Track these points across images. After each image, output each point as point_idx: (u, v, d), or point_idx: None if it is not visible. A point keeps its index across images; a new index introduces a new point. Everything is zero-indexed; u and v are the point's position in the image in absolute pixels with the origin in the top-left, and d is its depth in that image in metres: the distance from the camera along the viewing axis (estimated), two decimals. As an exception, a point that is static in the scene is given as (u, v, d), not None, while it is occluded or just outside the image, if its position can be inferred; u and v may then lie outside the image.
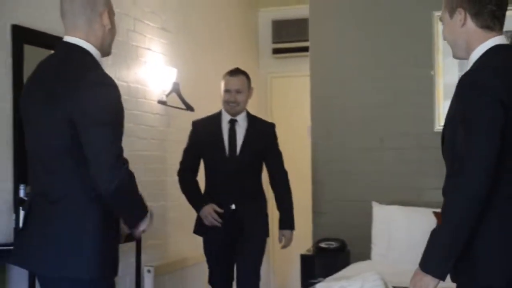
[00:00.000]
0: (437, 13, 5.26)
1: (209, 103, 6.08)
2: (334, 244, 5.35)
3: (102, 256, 2.65)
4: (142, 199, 2.79)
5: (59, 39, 4.37)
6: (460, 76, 2.45)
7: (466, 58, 2.53)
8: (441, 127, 4.93)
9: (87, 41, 2.71)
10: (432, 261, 2.38)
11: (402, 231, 5.08)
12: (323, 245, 5.42)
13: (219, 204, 4.48)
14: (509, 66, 2.40)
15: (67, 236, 2.60)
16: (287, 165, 4.74)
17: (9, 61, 4.07)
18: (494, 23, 2.47)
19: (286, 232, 4.66)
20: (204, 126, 4.68)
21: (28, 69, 4.09)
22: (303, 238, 5.73)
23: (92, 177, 2.55)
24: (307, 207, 5.71)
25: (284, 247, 4.73)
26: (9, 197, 4.04)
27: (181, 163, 4.74)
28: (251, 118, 4.70)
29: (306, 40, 5.97)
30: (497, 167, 2.27)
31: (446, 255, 2.35)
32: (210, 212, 4.49)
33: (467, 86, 2.38)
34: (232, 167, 4.51)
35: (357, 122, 5.46)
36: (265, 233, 4.69)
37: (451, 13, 2.50)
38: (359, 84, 5.57)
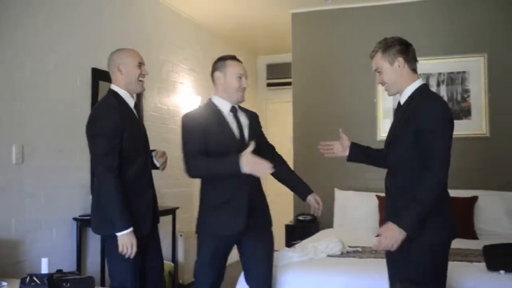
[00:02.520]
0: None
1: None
2: (308, 217, 5.38)
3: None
4: (119, 210, 2.65)
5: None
6: (401, 103, 2.54)
7: (398, 93, 2.57)
8: (382, 137, 5.13)
9: (116, 85, 2.87)
10: (407, 221, 2.34)
11: (354, 208, 5.07)
12: (300, 218, 5.45)
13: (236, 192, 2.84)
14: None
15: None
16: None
17: (89, 92, 4.17)
18: (416, 67, 2.58)
19: (314, 194, 3.09)
20: (203, 116, 2.91)
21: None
22: (287, 213, 5.79)
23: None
24: (290, 192, 5.68)
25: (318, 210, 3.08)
26: (87, 184, 4.10)
27: (190, 149, 2.83)
28: (239, 106, 3.05)
29: (290, 77, 5.94)
30: None
31: (419, 219, 2.34)
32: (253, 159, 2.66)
33: (442, 111, 2.41)
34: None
35: (324, 133, 5.21)
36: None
37: (391, 62, 2.53)
38: (326, 108, 5.54)
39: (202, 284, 2.89)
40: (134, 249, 2.69)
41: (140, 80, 2.90)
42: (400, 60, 2.53)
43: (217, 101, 2.98)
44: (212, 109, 2.93)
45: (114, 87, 2.86)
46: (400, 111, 2.55)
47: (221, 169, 2.75)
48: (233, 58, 2.98)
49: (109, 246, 2.80)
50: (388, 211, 2.57)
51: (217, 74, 2.97)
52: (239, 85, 2.93)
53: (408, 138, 2.43)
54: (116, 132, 2.71)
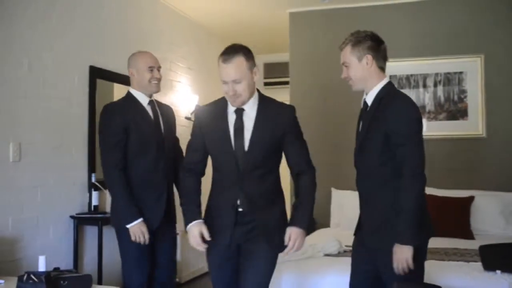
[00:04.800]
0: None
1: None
2: None
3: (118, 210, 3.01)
4: (124, 203, 2.94)
5: (119, 75, 4.55)
6: (372, 102, 2.47)
7: (364, 90, 2.52)
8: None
9: (132, 87, 3.17)
10: (408, 235, 2.29)
11: (350, 208, 4.85)
12: None
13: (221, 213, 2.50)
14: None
15: None
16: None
17: (86, 90, 4.17)
18: (385, 65, 2.52)
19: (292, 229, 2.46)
20: (208, 115, 2.59)
21: (99, 96, 4.25)
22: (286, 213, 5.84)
23: None
24: (288, 191, 5.70)
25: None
26: (85, 182, 4.11)
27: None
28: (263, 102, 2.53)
29: (287, 77, 5.94)
30: None
31: (414, 227, 2.30)
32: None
33: (412, 112, 2.39)
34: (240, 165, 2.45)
35: (322, 132, 5.39)
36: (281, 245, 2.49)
37: (360, 58, 2.46)
38: (324, 107, 5.55)
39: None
40: (147, 236, 2.91)
41: (153, 82, 3.11)
42: (369, 57, 2.46)
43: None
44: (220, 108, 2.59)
45: (130, 88, 3.15)
46: (369, 113, 2.48)
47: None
48: (223, 57, 2.44)
49: (119, 237, 3.04)
50: (366, 217, 2.53)
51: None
52: (224, 90, 2.49)
53: (381, 141, 2.40)
54: (116, 130, 2.96)
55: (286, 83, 6.09)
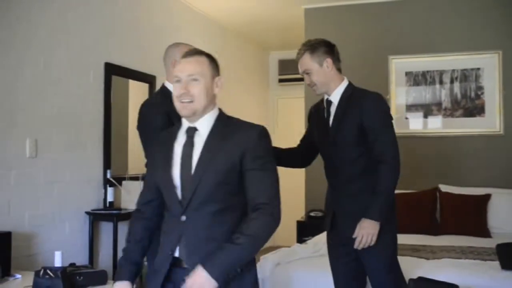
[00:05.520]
0: (391, 57, 5.39)
1: (234, 115, 6.21)
2: (319, 214, 5.35)
3: None
4: None
5: (134, 72, 4.57)
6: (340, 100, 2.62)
7: (326, 92, 2.65)
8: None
9: (169, 81, 2.71)
10: (377, 213, 2.45)
11: None
12: (312, 214, 5.46)
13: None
14: None
15: None
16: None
17: (102, 86, 4.18)
18: (341, 67, 2.70)
19: None
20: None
21: (115, 93, 4.28)
22: (298, 209, 5.78)
23: None
24: (302, 188, 5.67)
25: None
26: (100, 177, 4.13)
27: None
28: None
29: (302, 73, 5.99)
30: None
31: (386, 207, 2.49)
32: None
33: (385, 107, 2.63)
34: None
35: None
36: None
37: (320, 63, 2.59)
38: None
39: None
40: None
41: None
42: (328, 61, 2.60)
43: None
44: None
45: (166, 83, 2.74)
46: (339, 110, 2.61)
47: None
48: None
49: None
50: (344, 208, 2.62)
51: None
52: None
53: (356, 135, 2.54)
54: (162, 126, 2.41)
55: (301, 79, 6.03)
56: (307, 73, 2.63)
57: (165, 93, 2.65)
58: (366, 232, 2.46)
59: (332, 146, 2.62)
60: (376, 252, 2.51)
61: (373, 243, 2.47)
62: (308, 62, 2.61)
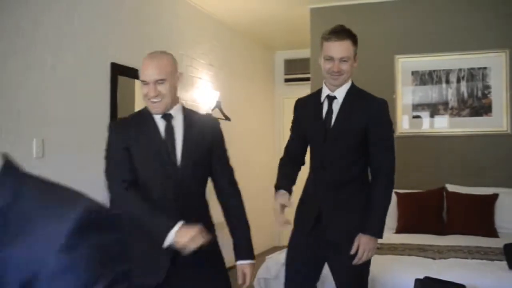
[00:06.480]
0: (398, 56, 5.38)
1: (241, 115, 6.26)
2: None
3: None
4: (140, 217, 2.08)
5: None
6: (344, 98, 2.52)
7: (337, 86, 2.53)
8: (402, 133, 5.10)
9: None
10: (379, 229, 2.42)
11: None
12: None
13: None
14: None
15: None
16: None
17: (108, 87, 4.18)
18: None
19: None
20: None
21: (121, 92, 4.29)
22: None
23: None
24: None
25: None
26: (107, 178, 4.17)
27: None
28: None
29: (308, 73, 5.93)
30: None
31: (383, 221, 2.44)
32: None
33: (389, 116, 2.57)
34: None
35: None
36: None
37: (355, 55, 2.52)
38: None
39: None
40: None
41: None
42: (356, 57, 2.55)
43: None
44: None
45: None
46: (345, 106, 2.51)
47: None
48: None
49: None
50: (326, 203, 2.52)
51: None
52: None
53: (356, 136, 2.47)
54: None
55: (307, 79, 6.07)
56: (344, 60, 2.47)
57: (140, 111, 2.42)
58: (367, 248, 2.39)
59: (331, 145, 2.50)
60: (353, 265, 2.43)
61: (370, 258, 2.45)
62: (350, 49, 2.48)
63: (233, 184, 2.29)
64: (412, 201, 4.68)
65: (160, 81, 2.12)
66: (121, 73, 4.29)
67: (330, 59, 2.48)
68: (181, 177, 2.12)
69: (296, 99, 2.77)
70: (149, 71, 2.13)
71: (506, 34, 5.08)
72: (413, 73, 5.32)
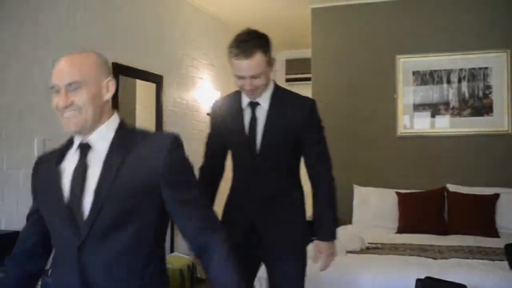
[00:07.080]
0: (399, 56, 5.36)
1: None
2: None
3: None
4: None
5: (142, 71, 4.56)
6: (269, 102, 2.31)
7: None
8: (402, 133, 5.09)
9: None
10: (334, 232, 2.35)
11: (372, 205, 5.03)
12: None
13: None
14: None
15: None
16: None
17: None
18: None
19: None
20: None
21: (122, 92, 4.28)
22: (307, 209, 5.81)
23: None
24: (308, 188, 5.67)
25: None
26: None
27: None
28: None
29: (309, 73, 5.91)
30: None
31: (337, 225, 2.41)
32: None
33: (319, 116, 2.40)
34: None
35: (343, 129, 5.30)
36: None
37: (270, 62, 2.27)
38: (346, 103, 5.48)
39: None
40: None
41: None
42: (273, 60, 2.28)
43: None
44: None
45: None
46: (271, 113, 2.29)
47: None
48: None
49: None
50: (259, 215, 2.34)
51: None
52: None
53: (288, 141, 2.31)
54: None
55: (308, 79, 6.06)
56: (256, 77, 2.20)
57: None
58: (329, 253, 2.34)
59: (262, 159, 2.30)
60: (295, 263, 2.36)
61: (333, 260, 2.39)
62: (261, 63, 2.19)
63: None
64: (413, 201, 4.68)
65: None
66: (123, 73, 4.29)
67: (241, 77, 2.21)
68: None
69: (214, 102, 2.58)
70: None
71: (507, 34, 5.07)
72: (414, 73, 5.32)
